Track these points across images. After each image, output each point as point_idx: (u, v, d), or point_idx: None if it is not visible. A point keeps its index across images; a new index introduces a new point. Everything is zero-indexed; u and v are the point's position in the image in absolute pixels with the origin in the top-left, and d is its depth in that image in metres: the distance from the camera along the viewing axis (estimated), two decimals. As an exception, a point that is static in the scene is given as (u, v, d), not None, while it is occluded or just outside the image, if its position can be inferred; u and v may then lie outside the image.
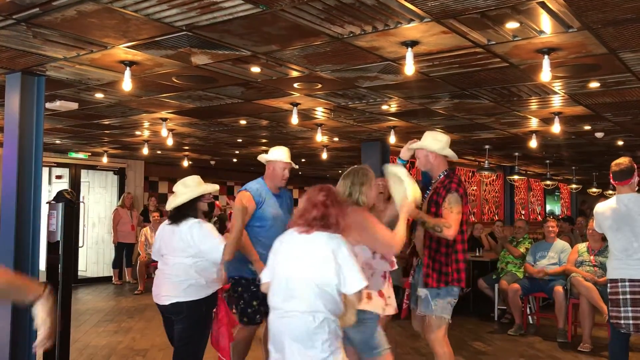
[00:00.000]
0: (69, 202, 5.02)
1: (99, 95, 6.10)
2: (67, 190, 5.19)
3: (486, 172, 11.15)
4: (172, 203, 3.86)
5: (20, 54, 4.59)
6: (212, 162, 12.79)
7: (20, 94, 5.06)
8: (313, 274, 2.92)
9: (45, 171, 10.83)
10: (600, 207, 4.45)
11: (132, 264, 11.18)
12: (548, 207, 18.02)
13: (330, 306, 2.92)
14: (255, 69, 4.97)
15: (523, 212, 14.88)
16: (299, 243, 3.02)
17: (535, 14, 3.59)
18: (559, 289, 6.60)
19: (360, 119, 7.51)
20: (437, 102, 6.36)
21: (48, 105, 6.10)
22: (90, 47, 4.40)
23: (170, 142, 8.55)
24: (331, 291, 2.91)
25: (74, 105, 6.39)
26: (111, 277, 11.31)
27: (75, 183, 11.34)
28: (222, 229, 7.93)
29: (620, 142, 9.46)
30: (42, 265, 5.16)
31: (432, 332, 3.83)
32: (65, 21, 3.81)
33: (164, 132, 7.94)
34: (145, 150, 10.10)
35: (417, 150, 4.04)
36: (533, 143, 8.57)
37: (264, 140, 9.53)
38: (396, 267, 3.73)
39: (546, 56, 4.32)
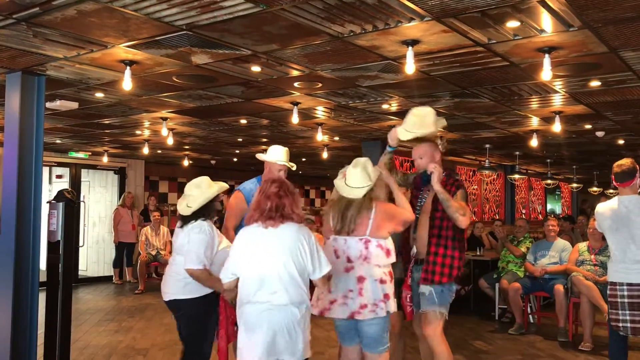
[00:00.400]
0: (70, 202, 5.02)
1: (99, 95, 6.09)
2: (67, 189, 5.20)
3: (487, 171, 11.15)
4: (189, 207, 3.81)
5: (21, 53, 4.59)
6: (213, 162, 12.79)
7: (21, 93, 5.05)
8: (290, 266, 3.05)
9: (45, 171, 10.84)
10: (601, 208, 4.44)
11: (133, 263, 11.19)
12: (549, 206, 18.01)
13: (307, 294, 3.12)
14: (256, 68, 4.97)
15: (524, 211, 14.87)
16: (268, 237, 3.11)
17: (536, 12, 3.59)
18: (559, 288, 6.60)
19: (360, 118, 7.50)
20: (437, 101, 6.36)
21: (48, 104, 6.09)
22: (91, 47, 4.40)
23: (170, 141, 8.55)
24: (305, 279, 3.10)
25: (74, 105, 6.39)
26: (112, 276, 11.32)
27: (75, 182, 11.34)
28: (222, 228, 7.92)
29: (621, 141, 9.45)
30: (43, 264, 5.16)
31: (431, 328, 3.84)
32: (65, 20, 3.80)
33: (164, 132, 7.94)
34: (145, 150, 10.10)
35: (421, 149, 4.04)
36: (534, 142, 8.57)
37: (264, 140, 9.53)
38: (394, 258, 3.69)
39: (547, 55, 4.32)
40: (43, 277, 4.99)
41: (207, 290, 3.75)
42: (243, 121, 7.75)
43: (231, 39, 4.16)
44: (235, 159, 12.46)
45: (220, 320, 3.87)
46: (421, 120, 3.94)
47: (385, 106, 6.66)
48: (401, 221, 3.64)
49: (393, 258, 3.54)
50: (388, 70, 5.01)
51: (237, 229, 3.72)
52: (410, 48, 4.19)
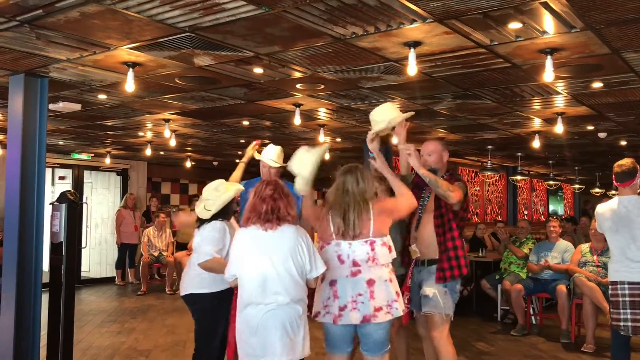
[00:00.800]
0: (72, 203, 5.03)
1: (102, 97, 6.11)
2: (70, 191, 5.21)
3: (489, 173, 11.14)
4: (208, 210, 3.87)
5: (24, 55, 4.60)
6: (215, 163, 12.80)
7: (24, 95, 5.07)
8: (291, 267, 3.13)
9: (48, 172, 10.86)
10: (601, 208, 4.43)
11: (135, 264, 11.20)
12: (551, 207, 18.00)
13: (305, 292, 3.21)
14: (258, 70, 4.98)
15: (526, 213, 14.87)
16: (268, 240, 3.18)
17: (538, 14, 3.59)
18: (561, 289, 6.59)
19: (362, 120, 7.50)
20: (439, 102, 6.36)
21: (51, 106, 6.11)
22: (93, 49, 4.41)
23: (173, 143, 8.56)
24: (303, 278, 3.19)
25: (77, 107, 6.41)
26: (114, 277, 11.34)
27: (78, 184, 11.36)
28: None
29: (623, 142, 9.45)
30: (46, 266, 5.17)
31: (438, 330, 3.83)
32: (68, 23, 3.82)
33: (166, 133, 7.96)
34: (148, 151, 10.12)
35: (431, 146, 4.05)
36: (536, 143, 8.57)
37: (266, 141, 9.50)
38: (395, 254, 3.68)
39: (549, 56, 4.32)
40: (46, 279, 5.00)
41: (221, 287, 3.79)
42: (245, 123, 7.76)
43: (234, 41, 4.17)
44: (237, 161, 12.44)
45: (232, 315, 3.92)
46: (382, 110, 3.87)
47: (387, 107, 6.66)
48: (402, 209, 3.63)
49: (394, 254, 3.52)
50: (390, 72, 5.02)
51: None
52: (412, 50, 4.19)
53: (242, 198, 4.28)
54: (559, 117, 6.88)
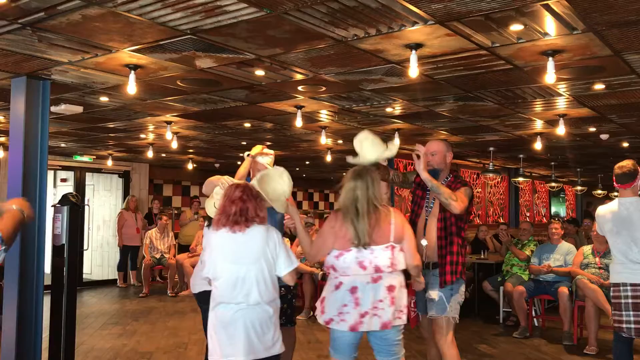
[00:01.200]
0: (74, 205, 5.04)
1: (104, 99, 6.11)
2: (72, 193, 5.21)
3: (491, 174, 11.14)
4: (216, 209, 3.87)
5: (26, 58, 4.61)
6: (217, 165, 12.81)
7: (26, 97, 5.08)
8: (262, 268, 3.22)
9: (50, 174, 10.86)
10: (602, 210, 4.42)
11: (137, 266, 11.20)
12: (553, 209, 17.98)
13: (277, 292, 3.30)
14: (260, 72, 4.98)
15: (528, 214, 14.85)
16: (238, 241, 3.25)
17: (540, 16, 3.59)
18: (564, 291, 6.58)
19: (364, 122, 7.50)
20: (441, 104, 6.36)
21: (53, 108, 6.12)
22: (95, 51, 4.42)
23: (174, 145, 8.57)
24: (274, 278, 3.27)
25: (78, 109, 6.42)
26: (116, 279, 11.34)
27: (80, 186, 11.37)
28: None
29: (625, 144, 9.44)
30: (47, 268, 5.18)
31: (443, 334, 3.82)
32: (70, 25, 3.82)
33: (168, 135, 7.97)
34: (149, 153, 10.12)
35: (435, 145, 4.03)
36: (538, 145, 8.56)
37: (268, 143, 9.53)
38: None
39: (551, 58, 4.32)
40: (47, 281, 5.01)
41: None
42: (247, 125, 7.76)
43: (235, 43, 4.17)
44: (239, 162, 12.45)
45: None
46: (368, 147, 3.66)
47: (389, 109, 6.66)
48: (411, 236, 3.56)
49: (419, 260, 3.53)
50: (392, 74, 5.02)
51: None
52: (414, 52, 4.19)
53: None
54: (561, 118, 6.87)
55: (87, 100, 6.19)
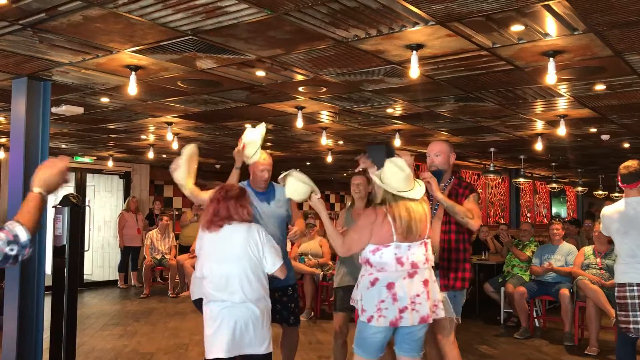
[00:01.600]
0: (75, 206, 5.04)
1: (105, 100, 6.12)
2: (72, 194, 5.21)
3: (492, 175, 11.13)
4: None
5: (27, 59, 4.62)
6: (218, 166, 12.81)
7: (27, 98, 5.09)
8: (245, 266, 3.31)
9: (51, 175, 10.86)
10: (608, 210, 4.42)
11: (138, 267, 11.20)
12: (554, 210, 17.97)
13: (264, 290, 3.37)
14: (260, 73, 4.99)
15: (529, 215, 14.84)
16: (216, 241, 3.39)
17: (540, 16, 3.59)
18: (565, 292, 6.57)
19: (365, 122, 7.51)
20: (442, 105, 6.36)
21: (54, 109, 6.12)
22: (96, 52, 4.42)
23: (175, 146, 8.56)
24: (259, 276, 3.34)
25: (79, 110, 6.42)
26: (117, 280, 11.34)
27: (81, 187, 11.38)
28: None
29: (626, 145, 9.43)
30: (48, 269, 5.18)
31: (444, 335, 3.81)
32: (71, 26, 3.83)
33: (169, 136, 7.97)
34: (150, 154, 10.13)
35: (438, 146, 4.01)
36: (539, 146, 8.56)
37: (269, 144, 9.53)
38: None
39: (551, 59, 4.31)
40: (48, 282, 5.00)
41: None
42: (248, 126, 7.76)
43: (236, 44, 4.17)
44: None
45: None
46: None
47: (389, 110, 6.66)
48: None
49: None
50: (392, 75, 5.02)
51: None
52: (414, 52, 4.19)
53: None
54: (562, 119, 6.87)
55: (88, 101, 6.20)
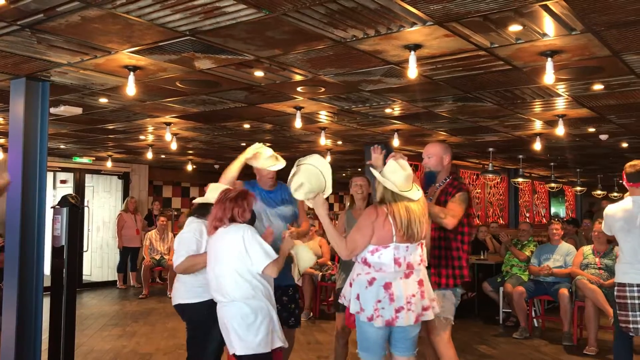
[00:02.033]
0: (74, 207, 5.04)
1: (103, 100, 6.12)
2: (71, 194, 5.21)
3: (490, 175, 11.13)
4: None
5: (25, 59, 4.61)
6: (216, 166, 12.80)
7: (25, 99, 5.08)
8: (235, 266, 3.37)
9: (49, 176, 10.85)
10: (612, 209, 4.43)
11: (137, 268, 11.20)
12: (553, 210, 17.98)
13: (257, 290, 3.39)
14: (259, 73, 4.99)
15: (527, 215, 14.85)
16: (216, 243, 3.49)
17: (538, 16, 3.59)
18: (564, 291, 6.58)
19: (363, 123, 7.51)
20: (440, 105, 6.36)
21: (52, 110, 6.12)
22: (94, 53, 4.42)
23: (174, 146, 8.57)
24: (247, 275, 3.38)
25: (78, 110, 6.42)
26: (115, 281, 11.33)
27: (79, 187, 11.37)
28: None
29: (624, 144, 9.44)
30: (47, 269, 5.18)
31: (437, 334, 3.82)
32: (69, 27, 3.83)
33: (168, 137, 7.97)
34: (149, 155, 10.13)
35: (432, 148, 4.02)
36: (537, 145, 8.56)
37: (267, 144, 9.50)
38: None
39: (549, 59, 4.32)
40: (47, 282, 5.00)
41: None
42: (246, 126, 7.77)
43: (234, 44, 4.17)
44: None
45: None
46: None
47: (388, 110, 6.67)
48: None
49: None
50: (391, 75, 5.02)
51: None
52: (412, 52, 4.19)
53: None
54: (560, 119, 6.87)
55: (87, 102, 6.19)
